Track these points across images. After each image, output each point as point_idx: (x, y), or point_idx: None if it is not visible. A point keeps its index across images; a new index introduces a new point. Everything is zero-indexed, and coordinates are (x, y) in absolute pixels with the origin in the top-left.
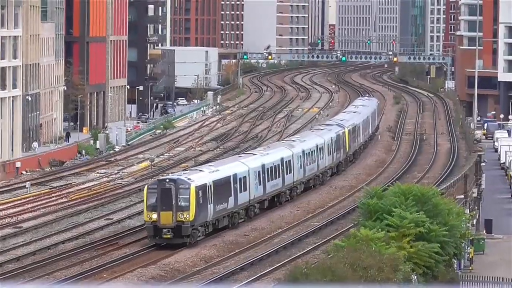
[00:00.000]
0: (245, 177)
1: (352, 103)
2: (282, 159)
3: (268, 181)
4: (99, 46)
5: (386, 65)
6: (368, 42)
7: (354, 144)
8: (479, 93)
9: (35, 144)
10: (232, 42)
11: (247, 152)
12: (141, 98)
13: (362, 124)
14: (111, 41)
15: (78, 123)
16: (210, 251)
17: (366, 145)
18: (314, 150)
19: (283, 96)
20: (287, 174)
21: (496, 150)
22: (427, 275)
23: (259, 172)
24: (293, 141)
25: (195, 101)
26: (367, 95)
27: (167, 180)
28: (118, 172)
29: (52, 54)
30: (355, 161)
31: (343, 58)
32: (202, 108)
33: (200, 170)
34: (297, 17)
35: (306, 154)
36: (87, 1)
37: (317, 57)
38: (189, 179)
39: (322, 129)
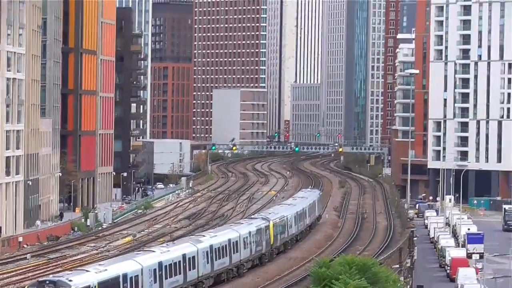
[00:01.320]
0: (136, 276)
1: (293, 195)
2: (184, 256)
3: (166, 278)
4: (90, 138)
5: (332, 155)
6: (318, 135)
7: (283, 236)
8: (412, 178)
9: (38, 222)
10: (202, 135)
11: (145, 249)
12: (125, 183)
13: (295, 216)
14: (99, 134)
15: (71, 204)
16: None
17: (301, 235)
18: (226, 245)
19: (246, 181)
20: (189, 270)
21: (426, 227)
22: None
23: (155, 270)
24: (203, 236)
25: (171, 185)
26: (310, 187)
27: (47, 282)
28: (106, 246)
29: (49, 145)
30: (286, 252)
31: (296, 149)
32: (176, 191)
33: (87, 270)
34: (258, 114)
35: (215, 249)
36: (80, 100)
37: (274, 148)
38: (70, 280)
39: (241, 223)
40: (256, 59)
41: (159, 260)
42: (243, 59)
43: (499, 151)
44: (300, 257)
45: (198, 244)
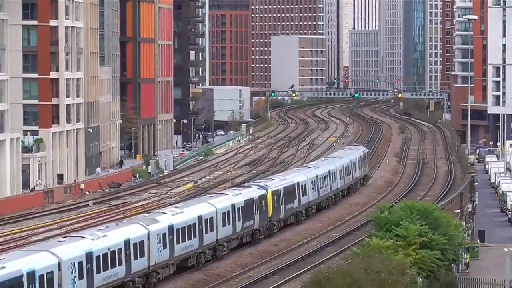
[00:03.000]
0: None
1: (328, 155)
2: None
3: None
4: (149, 86)
5: (392, 101)
6: (377, 81)
7: (288, 206)
8: (472, 123)
9: (98, 169)
10: (261, 82)
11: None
12: (185, 130)
13: (309, 182)
14: (159, 81)
15: (132, 151)
16: (246, 259)
17: (327, 201)
18: (195, 223)
19: (306, 127)
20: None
21: (487, 172)
22: (430, 278)
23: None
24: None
25: (231, 132)
26: (354, 144)
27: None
28: (167, 192)
29: (109, 93)
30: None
31: (356, 95)
32: (237, 138)
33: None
34: (317, 60)
35: (178, 229)
36: (138, 48)
37: (334, 94)
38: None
39: (226, 194)
40: (314, 5)
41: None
42: (300, 5)
43: None
44: (361, 202)
45: (149, 226)
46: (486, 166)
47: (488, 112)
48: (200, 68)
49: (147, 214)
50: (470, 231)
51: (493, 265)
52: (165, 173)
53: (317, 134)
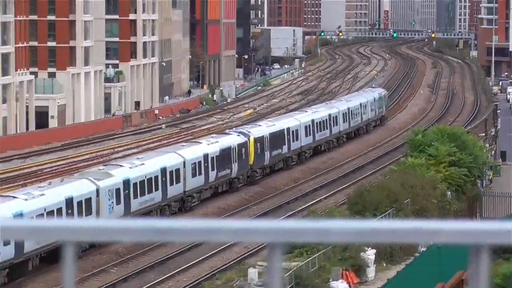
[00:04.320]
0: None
1: (342, 97)
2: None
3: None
4: (215, 26)
5: (426, 40)
6: (413, 23)
7: (275, 152)
8: (495, 60)
9: (166, 97)
10: (313, 23)
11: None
12: (246, 64)
13: (302, 126)
14: (223, 22)
15: (200, 82)
16: (298, 174)
17: (327, 145)
18: (157, 176)
19: (350, 62)
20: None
21: (508, 101)
22: (458, 192)
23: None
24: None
25: (286, 66)
26: (373, 86)
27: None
28: (230, 117)
29: (180, 32)
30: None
31: (395, 35)
32: (291, 71)
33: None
34: (360, 4)
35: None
36: None
37: (375, 34)
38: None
39: (200, 143)
40: None
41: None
42: None
43: None
44: (398, 127)
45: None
46: (508, 96)
47: (510, 50)
48: (259, 11)
49: (101, 168)
50: (493, 152)
51: None
52: (228, 101)
53: (361, 68)
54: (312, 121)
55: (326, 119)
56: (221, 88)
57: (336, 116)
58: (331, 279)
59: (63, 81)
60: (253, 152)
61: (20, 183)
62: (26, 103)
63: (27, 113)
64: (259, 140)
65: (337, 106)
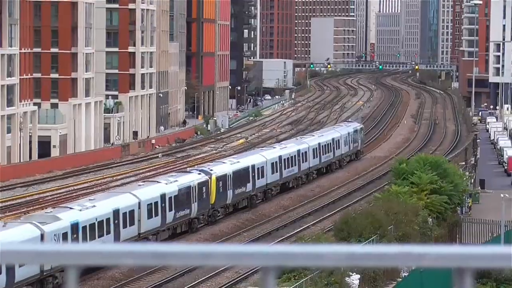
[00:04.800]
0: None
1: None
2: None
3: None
4: (210, 58)
5: (410, 71)
6: (398, 55)
7: (239, 191)
8: (476, 90)
9: (161, 127)
10: (302, 55)
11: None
12: (239, 95)
13: (268, 163)
14: (218, 55)
15: (195, 112)
16: (287, 202)
17: (295, 182)
18: (109, 218)
19: (338, 93)
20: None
21: (487, 131)
22: (439, 218)
23: (276, 161)
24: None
25: (277, 96)
26: (349, 120)
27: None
28: (223, 146)
29: (176, 64)
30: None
31: (380, 67)
32: (281, 102)
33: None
34: (348, 38)
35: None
36: (201, 27)
37: (362, 66)
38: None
39: (159, 182)
40: None
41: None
42: None
43: None
44: (383, 156)
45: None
46: (487, 126)
47: (490, 81)
48: (252, 44)
49: (48, 211)
50: (472, 180)
51: (491, 208)
52: (222, 131)
53: (348, 99)
54: (280, 157)
55: (295, 155)
56: (215, 118)
57: (305, 152)
58: None
59: (65, 112)
60: (215, 191)
61: (23, 210)
62: (30, 132)
63: (30, 142)
64: (221, 178)
65: (307, 142)
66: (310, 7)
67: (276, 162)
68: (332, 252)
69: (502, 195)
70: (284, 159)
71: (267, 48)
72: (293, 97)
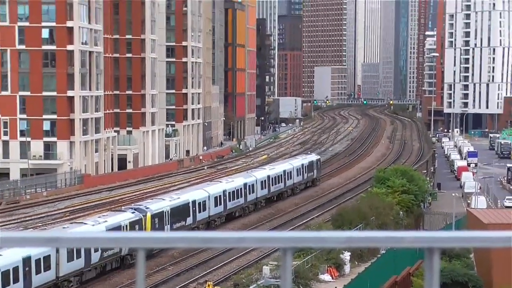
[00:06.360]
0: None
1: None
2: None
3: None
4: (241, 97)
5: (386, 105)
6: (378, 93)
7: (178, 225)
8: (434, 119)
9: (205, 147)
10: (308, 94)
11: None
12: (262, 123)
13: (211, 197)
14: (247, 94)
15: (230, 136)
16: (298, 200)
17: (241, 212)
18: (17, 266)
19: (334, 121)
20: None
21: (442, 148)
22: (408, 211)
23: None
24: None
25: (290, 124)
26: (308, 152)
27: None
28: (251, 160)
29: (217, 101)
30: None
31: (365, 102)
32: (293, 128)
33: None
34: (341, 81)
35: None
36: (235, 74)
37: (351, 101)
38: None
39: (85, 223)
40: (340, 48)
41: (223, 189)
42: (332, 48)
43: (487, 101)
44: (366, 166)
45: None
46: (442, 144)
47: (444, 112)
48: (272, 86)
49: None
50: (431, 183)
51: (445, 204)
52: (250, 149)
53: (341, 125)
54: (224, 191)
55: (241, 188)
56: (245, 140)
57: (252, 185)
58: (319, 273)
59: (136, 136)
60: (150, 228)
61: (106, 207)
62: (111, 152)
63: (112, 159)
64: (157, 215)
65: (255, 175)
66: (314, 59)
67: (220, 195)
68: (332, 236)
69: (453, 194)
70: (229, 192)
71: (283, 89)
72: (301, 124)
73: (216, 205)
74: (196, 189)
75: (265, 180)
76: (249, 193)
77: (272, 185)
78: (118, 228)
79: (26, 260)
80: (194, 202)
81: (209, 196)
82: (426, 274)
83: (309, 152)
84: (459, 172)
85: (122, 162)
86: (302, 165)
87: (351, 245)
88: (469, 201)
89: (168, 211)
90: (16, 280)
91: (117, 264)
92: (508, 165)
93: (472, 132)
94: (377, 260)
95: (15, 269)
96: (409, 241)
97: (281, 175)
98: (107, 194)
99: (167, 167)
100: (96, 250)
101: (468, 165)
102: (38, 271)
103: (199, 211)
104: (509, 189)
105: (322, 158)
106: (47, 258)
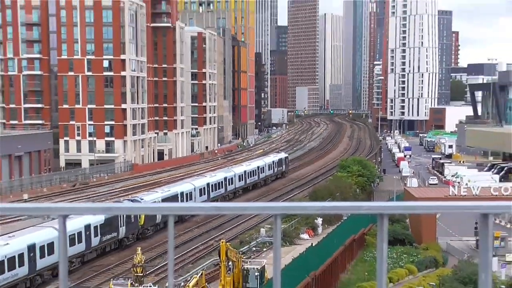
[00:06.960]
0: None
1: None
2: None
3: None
4: (244, 108)
5: (346, 114)
6: (341, 106)
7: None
8: (381, 123)
9: (218, 144)
10: (291, 105)
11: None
12: (259, 127)
13: (196, 190)
14: (248, 106)
15: (237, 136)
16: (285, 181)
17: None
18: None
19: (310, 125)
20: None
21: (387, 144)
22: (362, 189)
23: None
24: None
25: (279, 128)
26: (279, 151)
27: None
28: (252, 153)
29: (227, 111)
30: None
31: (331, 112)
32: (281, 131)
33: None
34: (315, 97)
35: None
36: (240, 92)
37: (322, 112)
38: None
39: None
40: (314, 73)
41: (207, 182)
42: (308, 73)
43: (418, 111)
44: (334, 157)
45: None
46: (386, 142)
47: (388, 118)
48: (266, 101)
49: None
50: (379, 169)
51: (389, 184)
52: (251, 145)
53: (315, 128)
54: (208, 183)
55: (222, 181)
56: (247, 139)
57: (232, 178)
58: (300, 233)
59: (170, 136)
60: (144, 217)
61: (150, 187)
62: (153, 147)
63: (153, 152)
64: None
65: (234, 170)
66: (295, 81)
67: (204, 187)
68: (311, 205)
69: (394, 177)
70: (212, 185)
71: (274, 102)
72: (287, 128)
73: (200, 195)
74: (184, 182)
75: (242, 174)
76: (229, 185)
77: (248, 178)
78: (116, 215)
79: (31, 247)
80: (182, 193)
81: (194, 188)
82: (378, 233)
83: (279, 151)
84: (398, 161)
85: (160, 155)
86: (273, 161)
87: (324, 212)
88: (405, 182)
89: (159, 201)
90: (21, 264)
91: (115, 245)
92: (433, 156)
93: (408, 133)
94: (341, 224)
95: (20, 255)
96: (365, 209)
97: (255, 170)
98: (149, 178)
99: (192, 158)
100: (96, 235)
101: (405, 156)
102: (42, 256)
103: (186, 201)
104: (433, 173)
105: (300, 152)
106: (51, 244)
